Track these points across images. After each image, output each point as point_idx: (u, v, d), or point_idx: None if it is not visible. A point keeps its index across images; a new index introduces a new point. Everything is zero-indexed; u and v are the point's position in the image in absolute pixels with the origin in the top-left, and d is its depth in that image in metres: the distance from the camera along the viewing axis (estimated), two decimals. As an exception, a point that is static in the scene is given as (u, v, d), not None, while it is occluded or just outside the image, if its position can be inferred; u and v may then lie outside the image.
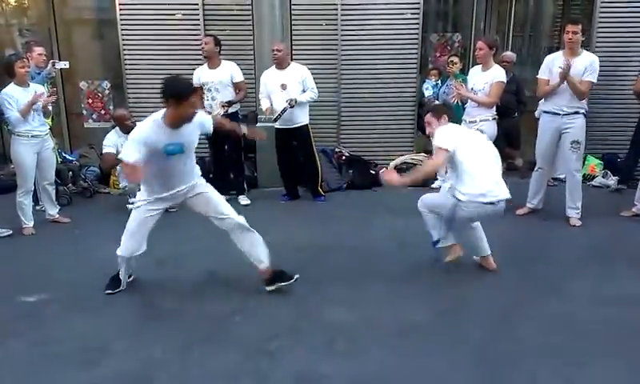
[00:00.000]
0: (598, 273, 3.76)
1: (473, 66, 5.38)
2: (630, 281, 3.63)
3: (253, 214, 5.26)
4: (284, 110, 5.26)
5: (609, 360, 2.69)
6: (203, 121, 3.37)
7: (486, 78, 4.77)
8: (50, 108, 4.90)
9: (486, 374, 2.60)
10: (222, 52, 5.49)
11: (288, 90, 5.28)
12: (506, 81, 4.85)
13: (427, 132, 3.76)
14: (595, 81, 4.47)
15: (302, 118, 5.42)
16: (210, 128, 3.45)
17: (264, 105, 5.44)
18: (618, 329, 2.99)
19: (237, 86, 5.46)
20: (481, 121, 4.80)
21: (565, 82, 4.41)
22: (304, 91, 5.34)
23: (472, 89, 4.89)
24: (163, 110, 3.09)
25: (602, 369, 2.62)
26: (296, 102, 5.23)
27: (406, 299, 3.39)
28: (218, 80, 5.37)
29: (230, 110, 5.40)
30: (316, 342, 2.90)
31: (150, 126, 3.07)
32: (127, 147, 3.02)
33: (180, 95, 3.00)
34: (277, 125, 5.41)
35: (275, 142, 5.53)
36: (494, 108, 4.85)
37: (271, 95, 5.39)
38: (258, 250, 3.40)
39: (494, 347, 2.83)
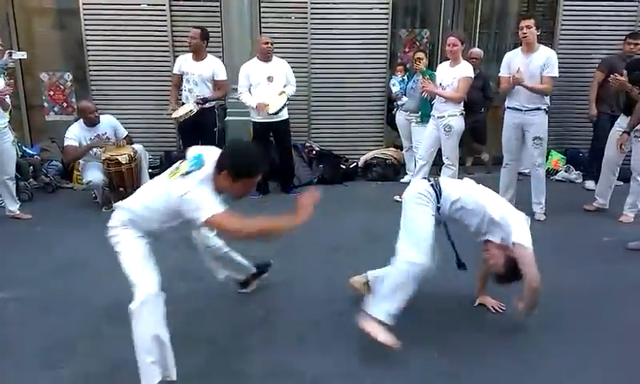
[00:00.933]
0: (557, 267, 3.86)
1: (440, 63, 5.45)
2: (589, 274, 3.74)
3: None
4: (285, 105, 5.24)
5: (566, 349, 2.78)
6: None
7: (455, 74, 4.85)
8: (9, 101, 4.71)
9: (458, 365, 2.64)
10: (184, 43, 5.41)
11: (275, 83, 5.25)
12: (473, 76, 4.94)
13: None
14: (556, 74, 4.57)
15: (284, 112, 5.39)
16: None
17: (251, 101, 5.31)
18: (573, 319, 3.09)
19: (217, 84, 5.38)
20: (449, 116, 4.91)
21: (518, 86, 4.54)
22: (286, 85, 5.37)
23: (440, 84, 4.96)
24: (205, 173, 2.38)
25: (562, 357, 2.70)
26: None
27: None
28: (199, 73, 5.28)
29: (207, 106, 5.33)
30: (286, 338, 2.89)
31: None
32: (210, 202, 2.30)
33: (249, 173, 2.42)
34: (258, 119, 5.36)
35: (252, 136, 5.46)
36: (462, 103, 4.94)
37: (254, 88, 5.31)
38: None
39: (457, 336, 2.88)
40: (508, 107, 4.86)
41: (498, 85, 4.99)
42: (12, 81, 4.95)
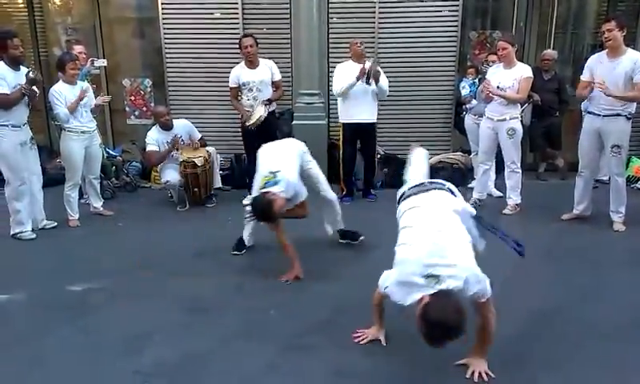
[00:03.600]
0: (633, 278, 3.65)
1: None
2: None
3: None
4: (365, 75, 5.19)
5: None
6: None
7: (514, 75, 4.84)
8: (97, 107, 5.09)
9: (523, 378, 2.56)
10: (260, 50, 5.54)
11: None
12: (532, 76, 4.92)
13: None
14: None
15: (375, 113, 5.44)
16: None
17: (337, 87, 5.34)
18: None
19: (275, 84, 5.51)
20: (511, 119, 4.91)
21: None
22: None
23: (498, 87, 4.90)
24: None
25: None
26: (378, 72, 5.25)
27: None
28: (260, 79, 5.41)
29: (269, 110, 5.45)
30: (352, 338, 2.92)
31: None
32: None
33: None
34: (350, 120, 5.40)
35: (345, 138, 5.51)
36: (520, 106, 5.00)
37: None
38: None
39: (528, 348, 2.79)
40: (587, 112, 4.63)
41: (578, 89, 4.74)
42: (94, 86, 5.31)
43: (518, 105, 4.97)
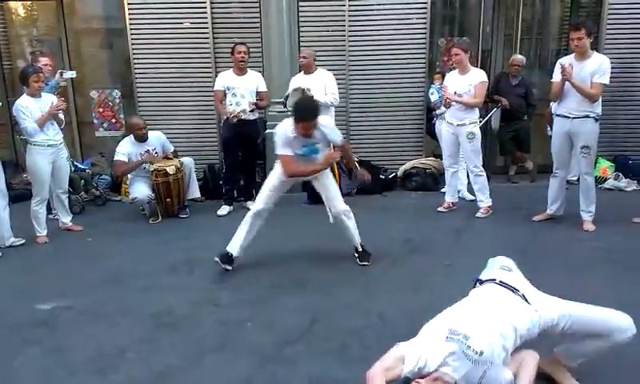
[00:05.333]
0: (605, 277, 3.73)
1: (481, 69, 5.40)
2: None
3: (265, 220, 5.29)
4: (296, 90, 5.27)
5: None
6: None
7: (469, 81, 4.98)
8: (62, 116, 4.95)
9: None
10: (226, 59, 5.55)
11: (312, 93, 5.25)
12: (487, 81, 5.10)
13: None
14: (607, 82, 4.41)
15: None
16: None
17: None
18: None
19: (260, 96, 5.52)
20: (470, 123, 5.05)
21: (570, 85, 4.40)
22: (325, 95, 5.41)
23: (455, 93, 5.04)
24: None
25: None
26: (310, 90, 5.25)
27: (417, 303, 3.38)
28: (245, 87, 5.42)
29: (251, 117, 5.45)
30: (330, 347, 2.90)
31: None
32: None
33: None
34: None
35: None
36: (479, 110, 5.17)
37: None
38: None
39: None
40: (557, 114, 4.74)
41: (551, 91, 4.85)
42: (63, 98, 5.20)
43: (477, 109, 5.11)
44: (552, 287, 3.55)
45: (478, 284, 2.37)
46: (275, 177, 3.93)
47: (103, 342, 3.02)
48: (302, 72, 5.62)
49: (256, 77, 5.55)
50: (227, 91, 5.44)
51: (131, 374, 2.71)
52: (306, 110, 3.70)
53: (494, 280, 2.37)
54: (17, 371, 2.76)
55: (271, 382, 2.62)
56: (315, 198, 5.61)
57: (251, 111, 5.41)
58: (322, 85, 5.46)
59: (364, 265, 4.02)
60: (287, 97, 5.32)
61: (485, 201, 5.20)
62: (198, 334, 3.09)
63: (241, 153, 5.61)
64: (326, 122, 3.86)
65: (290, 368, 2.72)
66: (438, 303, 3.34)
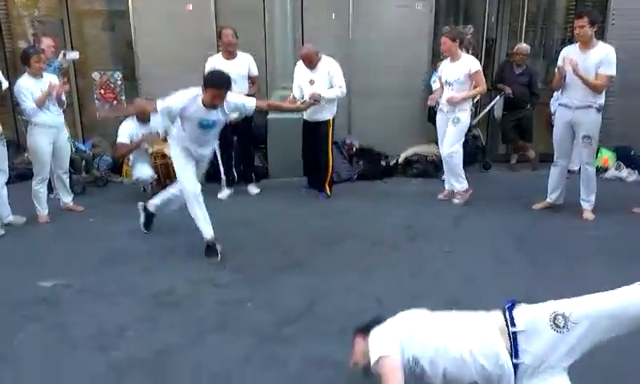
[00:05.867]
0: (604, 267, 3.74)
1: (484, 59, 5.40)
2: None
3: (264, 203, 5.32)
4: (304, 103, 5.17)
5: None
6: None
7: (460, 69, 4.96)
8: (64, 98, 4.95)
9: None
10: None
11: (315, 86, 5.19)
12: (480, 68, 5.04)
13: None
14: (613, 74, 4.36)
15: (324, 114, 5.32)
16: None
17: (295, 93, 5.38)
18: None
19: (252, 79, 5.47)
20: (459, 110, 5.04)
21: (573, 75, 4.37)
22: (332, 87, 5.25)
23: (446, 81, 5.05)
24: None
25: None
26: (320, 96, 5.11)
27: (415, 288, 3.41)
28: (236, 72, 5.30)
29: None
30: (328, 328, 2.93)
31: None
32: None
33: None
34: (305, 117, 5.39)
35: (302, 133, 5.52)
36: (472, 100, 5.19)
37: (302, 86, 5.33)
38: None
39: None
40: (560, 104, 4.73)
41: (551, 80, 4.86)
42: (66, 79, 5.18)
43: (470, 100, 5.09)
44: (549, 274, 3.62)
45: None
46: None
47: (104, 320, 3.05)
48: (303, 64, 5.35)
49: (246, 59, 5.43)
50: None
51: (132, 351, 2.74)
52: (221, 80, 3.67)
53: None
54: (18, 347, 2.80)
55: (270, 360, 2.65)
56: (315, 184, 5.66)
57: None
58: (327, 78, 5.26)
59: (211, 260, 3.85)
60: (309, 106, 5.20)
61: (457, 185, 5.19)
62: (198, 314, 3.12)
63: (235, 137, 5.59)
64: (234, 96, 3.90)
65: (288, 348, 2.75)
66: (436, 289, 3.42)
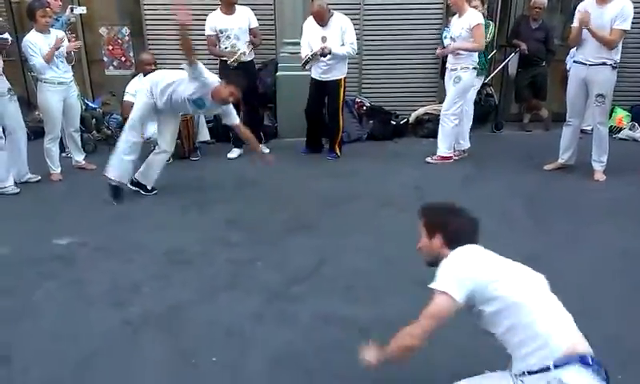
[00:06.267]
0: (612, 228, 3.73)
1: (501, 13, 5.25)
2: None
3: (273, 163, 5.31)
4: (313, 55, 5.12)
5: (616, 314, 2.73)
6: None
7: (462, 24, 4.86)
8: (73, 54, 4.92)
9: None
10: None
11: (328, 42, 5.09)
12: (483, 22, 4.90)
13: None
14: (628, 28, 4.25)
15: (334, 73, 5.24)
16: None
17: (302, 52, 5.28)
18: (625, 280, 3.03)
19: (252, 32, 5.37)
20: (461, 69, 4.94)
21: (587, 32, 4.26)
22: (343, 44, 5.14)
23: (451, 37, 4.99)
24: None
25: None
26: (330, 52, 5.04)
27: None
28: (238, 26, 5.25)
29: (247, 59, 5.33)
30: (336, 286, 2.99)
31: None
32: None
33: None
34: (313, 75, 5.31)
35: (309, 91, 5.44)
36: (476, 56, 5.01)
37: (311, 44, 5.21)
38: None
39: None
40: (574, 61, 4.62)
41: (568, 37, 4.72)
42: (75, 35, 5.12)
43: (473, 55, 4.97)
44: (557, 234, 3.63)
45: None
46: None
47: (118, 277, 3.14)
48: (314, 20, 5.20)
49: (246, 13, 5.32)
50: (220, 35, 5.27)
51: (146, 307, 2.83)
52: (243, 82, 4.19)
53: None
54: (37, 303, 2.89)
55: (279, 317, 2.72)
56: (314, 148, 5.63)
57: (250, 50, 5.28)
58: (339, 35, 5.16)
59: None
60: (307, 62, 5.18)
61: (441, 146, 5.17)
62: (209, 272, 3.19)
63: (241, 96, 5.53)
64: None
65: (297, 305, 2.82)
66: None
